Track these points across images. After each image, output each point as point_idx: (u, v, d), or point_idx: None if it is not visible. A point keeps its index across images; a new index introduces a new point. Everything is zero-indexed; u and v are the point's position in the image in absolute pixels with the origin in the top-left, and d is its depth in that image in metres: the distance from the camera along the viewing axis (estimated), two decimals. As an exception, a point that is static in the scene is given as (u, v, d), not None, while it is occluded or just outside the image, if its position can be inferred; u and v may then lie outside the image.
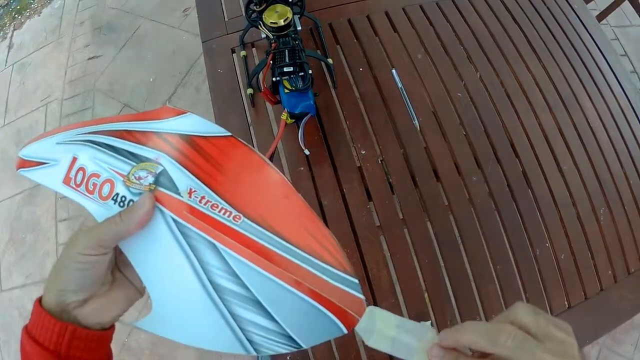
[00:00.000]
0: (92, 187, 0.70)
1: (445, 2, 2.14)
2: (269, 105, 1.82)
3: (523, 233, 1.70)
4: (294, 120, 1.60)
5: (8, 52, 5.28)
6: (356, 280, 0.71)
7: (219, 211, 0.68)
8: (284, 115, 1.56)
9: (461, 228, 1.67)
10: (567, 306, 1.64)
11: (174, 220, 0.68)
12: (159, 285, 0.69)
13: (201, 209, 0.68)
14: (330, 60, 1.89)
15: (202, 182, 0.69)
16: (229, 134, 0.73)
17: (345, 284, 0.70)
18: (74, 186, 0.71)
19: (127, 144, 0.73)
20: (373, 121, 1.81)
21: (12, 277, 3.71)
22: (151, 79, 4.18)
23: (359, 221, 1.64)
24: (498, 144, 1.81)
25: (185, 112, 0.74)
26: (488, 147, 1.80)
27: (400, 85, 1.88)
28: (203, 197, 0.68)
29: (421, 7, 2.11)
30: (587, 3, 2.46)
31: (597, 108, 1.98)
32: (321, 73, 1.93)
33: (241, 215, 0.69)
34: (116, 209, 0.69)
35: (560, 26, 2.16)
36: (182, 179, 0.69)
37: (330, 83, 1.91)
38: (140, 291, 0.77)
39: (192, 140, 0.72)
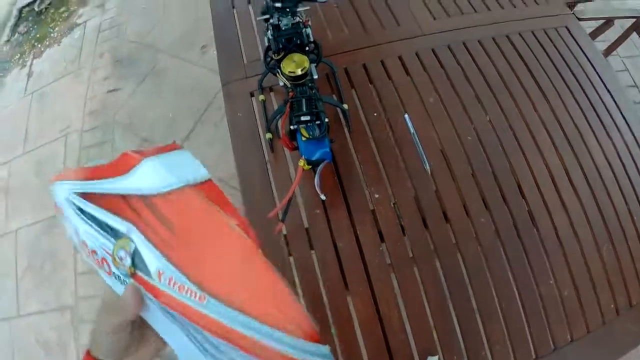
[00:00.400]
0: (99, 261, 0.73)
1: (456, 45, 2.21)
2: (287, 150, 1.88)
3: (528, 271, 1.74)
4: (311, 166, 1.65)
5: (27, 80, 5.31)
6: (326, 349, 0.69)
7: (186, 292, 0.67)
8: (302, 162, 1.63)
9: (469, 267, 1.72)
10: (570, 339, 1.68)
11: (157, 302, 0.69)
12: (173, 340, 0.72)
13: (171, 292, 0.67)
14: (345, 106, 1.95)
15: (167, 259, 0.68)
16: (183, 184, 0.70)
17: (316, 354, 0.67)
18: (88, 255, 0.74)
19: (105, 214, 0.74)
20: (386, 165, 1.87)
21: (30, 303, 3.74)
22: (170, 115, 4.21)
23: (372, 262, 1.70)
24: (505, 185, 1.87)
25: (141, 159, 0.72)
26: (495, 189, 1.86)
27: (412, 130, 1.94)
28: (171, 279, 0.67)
29: (433, 50, 2.18)
30: (594, 38, 2.53)
31: (602, 145, 2.03)
32: (337, 118, 1.99)
33: (205, 295, 0.67)
34: (119, 286, 0.71)
35: (567, 63, 2.22)
36: (151, 258, 0.69)
37: (345, 128, 1.97)
38: (163, 342, 0.79)
39: (152, 204, 0.70)
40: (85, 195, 0.77)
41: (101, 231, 0.73)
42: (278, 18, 1.85)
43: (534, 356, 1.64)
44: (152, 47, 4.81)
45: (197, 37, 4.64)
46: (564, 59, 2.23)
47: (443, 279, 1.70)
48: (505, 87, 2.10)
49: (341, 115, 1.99)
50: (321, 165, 1.67)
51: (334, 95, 2.06)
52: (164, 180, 0.69)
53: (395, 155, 1.90)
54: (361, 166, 1.87)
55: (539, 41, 2.27)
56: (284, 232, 1.76)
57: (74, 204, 0.77)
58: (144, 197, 0.70)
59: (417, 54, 2.17)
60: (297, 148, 1.74)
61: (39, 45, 5.68)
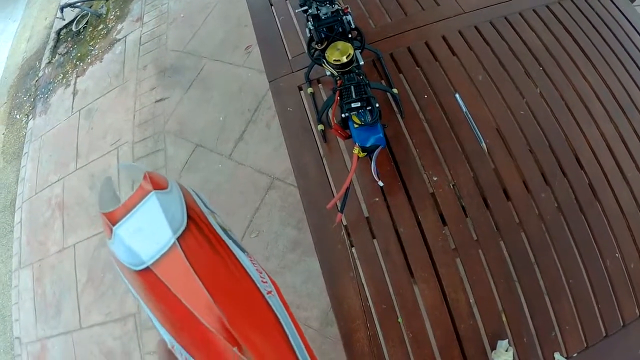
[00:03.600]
0: None
1: (498, 20, 2.16)
2: (340, 139, 1.85)
3: (593, 245, 1.68)
4: (365, 153, 1.63)
5: (73, 98, 5.44)
6: None
7: None
8: (356, 150, 1.60)
9: (533, 245, 1.67)
10: (638, 314, 1.62)
11: None
12: None
13: None
14: (395, 90, 1.92)
15: (172, 336, 0.62)
16: (149, 263, 0.62)
17: None
18: None
19: (122, 276, 0.70)
20: (442, 147, 1.84)
21: (92, 315, 3.82)
22: (221, 118, 4.20)
23: (436, 246, 1.66)
24: (563, 158, 1.81)
25: (113, 228, 0.66)
26: (554, 162, 1.80)
27: (464, 109, 1.90)
28: (181, 353, 0.61)
29: (476, 27, 2.14)
30: (632, 1, 2.45)
31: (656, 111, 1.96)
32: (387, 103, 1.96)
33: None
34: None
35: (611, 29, 2.15)
36: (166, 335, 0.63)
37: (397, 113, 1.94)
38: None
39: (135, 278, 0.64)
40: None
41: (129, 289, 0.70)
42: (317, 8, 1.83)
43: (604, 334, 1.59)
44: (194, 54, 4.84)
45: (240, 39, 4.65)
46: (607, 25, 2.16)
47: (508, 259, 1.65)
48: (552, 58, 2.04)
49: (392, 100, 1.96)
50: (376, 152, 1.63)
51: (382, 81, 2.02)
52: (131, 258, 0.65)
53: (450, 137, 1.86)
54: (417, 150, 1.83)
55: (579, 8, 2.20)
56: (344, 222, 1.74)
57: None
58: (132, 271, 0.66)
59: (460, 33, 2.13)
60: (350, 136, 1.71)
61: (81, 64, 5.80)
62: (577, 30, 2.14)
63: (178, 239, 0.62)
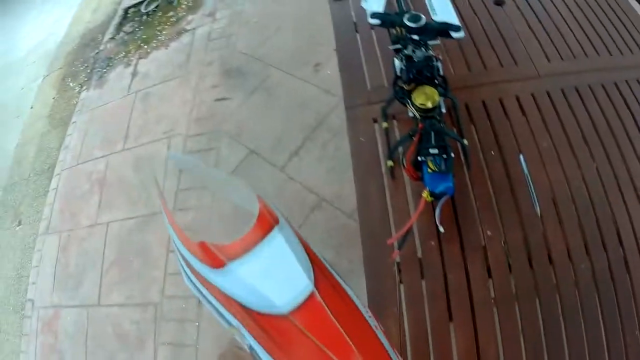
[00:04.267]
0: None
1: (569, 89, 2.29)
2: (406, 178, 1.96)
3: (617, 318, 1.79)
4: (432, 198, 1.75)
5: (132, 79, 5.53)
6: None
7: None
8: (425, 194, 1.72)
9: (565, 309, 1.79)
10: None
11: None
12: None
13: None
14: (466, 142, 2.03)
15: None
16: (285, 311, 0.65)
17: None
18: None
19: (218, 304, 0.75)
20: (500, 204, 1.96)
21: (112, 295, 3.90)
22: (279, 129, 4.19)
23: (478, 296, 1.79)
24: (606, 233, 1.92)
25: (226, 262, 0.69)
26: (597, 235, 1.91)
27: (526, 171, 2.02)
28: None
29: (548, 93, 2.27)
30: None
31: None
32: (455, 152, 2.01)
33: None
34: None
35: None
36: (265, 356, 0.66)
37: (464, 164, 2.06)
38: None
39: (254, 317, 0.67)
40: (200, 279, 0.78)
41: (216, 314, 0.78)
42: (413, 50, 1.95)
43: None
44: (262, 61, 4.84)
45: (310, 56, 4.68)
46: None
47: (540, 318, 1.77)
48: (612, 135, 2.16)
49: (460, 150, 2.07)
50: (443, 199, 1.76)
51: (454, 129, 2.14)
52: (255, 299, 0.67)
53: (508, 195, 1.98)
54: (477, 203, 1.96)
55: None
56: (397, 259, 1.86)
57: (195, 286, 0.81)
58: (246, 309, 0.69)
59: (533, 96, 2.26)
60: (420, 179, 1.83)
61: (145, 47, 5.89)
62: (638, 110, 2.26)
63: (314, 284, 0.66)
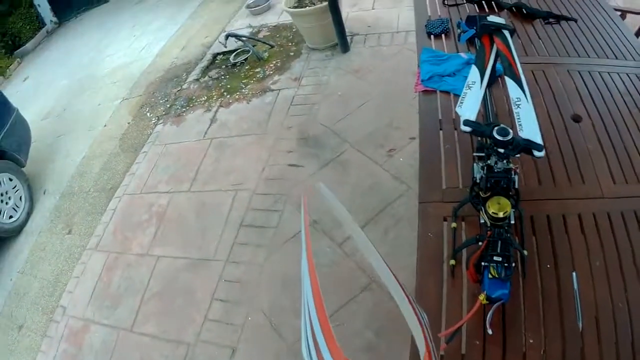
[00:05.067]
0: None
1: (628, 212, 2.36)
2: (464, 278, 2.08)
3: None
4: (488, 302, 1.84)
5: (210, 125, 5.79)
6: None
7: None
8: (482, 297, 1.82)
9: None
10: None
11: None
12: None
13: None
14: (525, 252, 2.13)
15: None
16: None
17: None
18: None
19: None
20: (546, 316, 2.02)
21: (147, 325, 4.02)
22: (345, 206, 4.03)
23: None
24: (638, 354, 1.94)
25: None
26: (630, 354, 1.94)
27: (576, 287, 2.08)
28: None
29: (608, 214, 2.35)
30: None
31: None
32: (514, 259, 2.08)
33: None
34: None
35: None
36: None
37: (520, 273, 2.14)
38: None
39: None
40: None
41: None
42: (495, 160, 2.06)
43: None
44: (339, 136, 4.99)
45: (386, 139, 4.80)
46: None
47: None
48: None
49: (519, 259, 2.16)
50: (497, 304, 1.86)
51: (517, 238, 2.22)
52: None
53: (556, 308, 2.05)
54: (525, 311, 2.04)
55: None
56: (442, 353, 1.94)
57: None
58: None
59: (594, 215, 2.35)
60: (479, 281, 1.95)
61: (228, 96, 6.15)
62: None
63: None
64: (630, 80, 3.08)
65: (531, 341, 1.95)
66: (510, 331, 1.98)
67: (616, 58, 3.30)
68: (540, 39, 3.52)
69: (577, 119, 2.84)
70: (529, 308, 2.05)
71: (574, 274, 2.12)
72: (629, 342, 1.96)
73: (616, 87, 3.03)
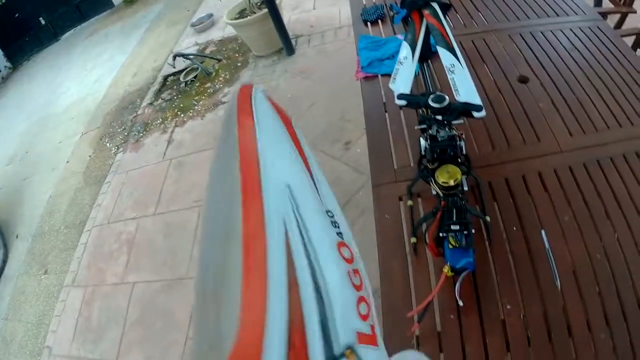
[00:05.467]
0: None
1: (591, 162, 2.32)
2: (428, 254, 2.01)
3: None
4: (453, 273, 1.79)
5: (167, 146, 5.75)
6: None
7: None
8: (446, 269, 1.77)
9: None
10: None
11: None
12: None
13: None
14: (488, 218, 2.07)
15: None
16: None
17: None
18: None
19: None
20: (520, 279, 1.97)
21: (132, 354, 3.96)
22: None
23: None
24: (626, 302, 1.90)
25: None
26: (617, 305, 1.89)
27: (547, 246, 2.03)
28: None
29: (570, 168, 2.31)
30: None
31: None
32: (477, 227, 2.10)
33: None
34: None
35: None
36: None
37: (486, 239, 2.09)
38: None
39: None
40: None
41: None
42: (437, 129, 2.03)
43: None
44: None
45: (341, 134, 4.85)
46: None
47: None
48: (634, 205, 2.16)
49: (482, 227, 2.11)
50: (463, 274, 1.80)
51: (477, 207, 2.19)
52: None
53: (529, 270, 1.99)
54: (497, 277, 1.98)
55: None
56: (417, 332, 1.89)
57: None
58: None
59: (555, 171, 2.31)
60: (442, 254, 1.88)
61: (182, 115, 6.12)
62: (661, 179, 2.27)
63: None
64: (576, 35, 3.07)
65: (508, 307, 1.90)
66: (485, 300, 1.92)
67: (557, 15, 3.28)
68: (478, 10, 3.53)
69: (523, 80, 2.81)
70: (500, 274, 1.99)
71: (542, 232, 2.07)
72: (614, 291, 1.91)
73: (561, 44, 3.02)
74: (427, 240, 1.94)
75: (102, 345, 4.16)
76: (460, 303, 1.81)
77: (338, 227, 0.62)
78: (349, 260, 0.57)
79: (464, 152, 2.06)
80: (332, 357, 0.47)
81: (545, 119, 2.56)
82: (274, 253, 0.48)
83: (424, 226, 2.07)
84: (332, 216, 0.62)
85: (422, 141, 2.10)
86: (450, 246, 1.80)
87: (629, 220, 2.10)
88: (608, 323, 1.85)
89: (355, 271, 0.57)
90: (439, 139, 2.02)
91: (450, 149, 2.00)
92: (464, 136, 2.07)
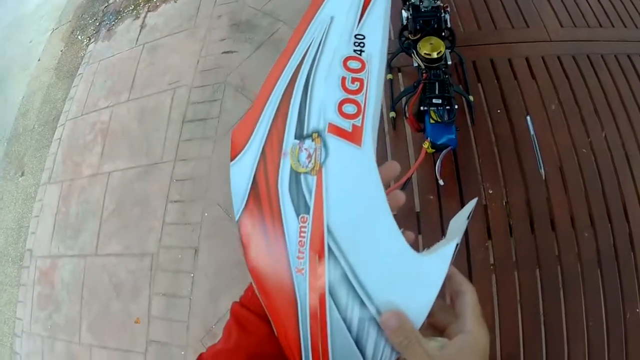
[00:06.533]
0: None
1: (580, 56, 2.21)
2: (408, 131, 1.91)
3: (619, 294, 1.73)
4: (434, 150, 1.69)
5: (140, 31, 5.46)
6: None
7: None
8: (426, 145, 1.66)
9: (566, 280, 1.72)
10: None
11: None
12: None
13: None
14: (471, 98, 1.97)
15: None
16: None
17: None
18: None
19: None
20: (504, 163, 1.89)
21: (110, 245, 3.87)
22: None
23: (476, 257, 1.72)
24: (612, 205, 1.85)
25: None
26: (603, 206, 1.84)
27: (532, 132, 1.95)
28: None
29: (559, 58, 2.19)
30: None
31: None
32: (461, 108, 2.00)
33: None
34: None
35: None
36: None
37: (468, 120, 2.00)
38: None
39: None
40: None
41: None
42: None
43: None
44: (271, 15, 4.79)
45: None
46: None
47: (540, 288, 1.70)
48: (622, 105, 2.09)
49: (466, 107, 2.01)
50: (445, 151, 1.71)
51: (460, 86, 2.06)
52: None
53: (513, 155, 1.92)
54: (479, 160, 1.90)
55: (659, 67, 2.24)
56: (395, 212, 1.75)
57: None
58: None
59: (543, 59, 2.19)
60: (422, 130, 1.77)
61: (155, 0, 5.80)
62: (651, 84, 2.18)
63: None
64: None
65: (490, 192, 1.83)
66: (466, 182, 1.85)
67: None
68: None
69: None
70: (483, 156, 1.90)
71: (528, 118, 1.98)
72: (599, 188, 1.86)
73: None
74: (407, 114, 1.82)
75: (81, 240, 4.08)
76: (441, 182, 1.76)
77: (361, 46, 0.68)
78: (354, 70, 0.66)
79: (449, 25, 1.95)
80: (301, 135, 0.62)
81: (535, 6, 2.42)
82: (291, 63, 0.68)
83: (404, 101, 1.95)
84: (362, 38, 0.69)
85: (404, 12, 1.98)
86: (432, 121, 1.71)
87: (617, 120, 2.03)
88: (592, 222, 1.80)
89: (356, 79, 0.66)
90: (422, 9, 1.89)
91: (434, 20, 1.87)
92: (448, 9, 1.95)
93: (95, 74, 5.37)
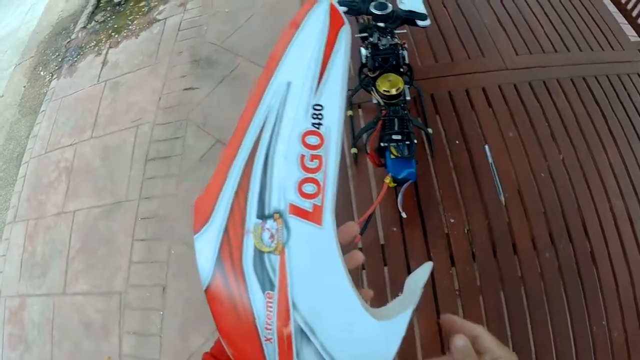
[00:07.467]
0: None
1: (536, 82, 2.27)
2: (370, 166, 1.93)
3: (584, 309, 1.77)
4: (395, 184, 1.72)
5: (102, 68, 5.44)
6: None
7: None
8: (388, 179, 1.68)
9: (530, 300, 1.76)
10: (613, 382, 1.69)
11: None
12: None
13: None
14: (430, 130, 2.01)
15: None
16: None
17: None
18: None
19: None
20: (464, 192, 1.93)
21: (78, 284, 3.83)
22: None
23: (441, 285, 1.75)
24: (572, 224, 1.90)
25: None
26: (563, 226, 1.89)
27: (490, 160, 2.00)
28: None
29: (515, 85, 2.25)
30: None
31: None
32: (420, 140, 2.04)
33: None
34: None
35: (637, 110, 2.25)
36: None
37: (428, 152, 2.04)
38: None
39: None
40: None
41: None
42: (378, 37, 1.91)
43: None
44: (231, 52, 4.82)
45: (274, 43, 4.47)
46: (635, 106, 2.27)
47: (505, 310, 1.74)
48: (579, 128, 2.15)
49: (425, 139, 2.05)
50: (406, 185, 1.73)
51: (419, 119, 2.11)
52: None
53: (473, 184, 1.96)
54: (440, 191, 1.93)
55: (612, 86, 2.31)
56: (360, 245, 1.82)
57: None
58: None
59: (499, 87, 2.24)
60: (383, 165, 1.80)
61: (116, 36, 5.80)
62: (606, 105, 2.25)
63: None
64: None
65: (452, 221, 1.86)
66: (428, 213, 1.88)
67: None
68: None
69: (467, -6, 2.67)
70: (443, 187, 1.95)
71: (486, 146, 2.04)
72: (559, 209, 1.92)
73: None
74: (368, 150, 1.85)
75: (49, 279, 4.03)
76: (404, 215, 1.79)
77: (320, 118, 0.67)
78: (312, 147, 0.66)
79: (407, 61, 1.98)
80: (263, 214, 0.62)
81: (490, 36, 2.49)
82: (249, 134, 0.66)
83: (365, 137, 1.98)
84: (320, 109, 0.68)
85: (363, 50, 2.01)
86: (392, 156, 1.73)
87: (574, 143, 2.10)
88: (553, 242, 1.85)
89: (315, 157, 0.65)
90: (381, 47, 1.92)
91: (393, 57, 1.90)
92: (406, 45, 1.99)
93: (58, 110, 5.34)
